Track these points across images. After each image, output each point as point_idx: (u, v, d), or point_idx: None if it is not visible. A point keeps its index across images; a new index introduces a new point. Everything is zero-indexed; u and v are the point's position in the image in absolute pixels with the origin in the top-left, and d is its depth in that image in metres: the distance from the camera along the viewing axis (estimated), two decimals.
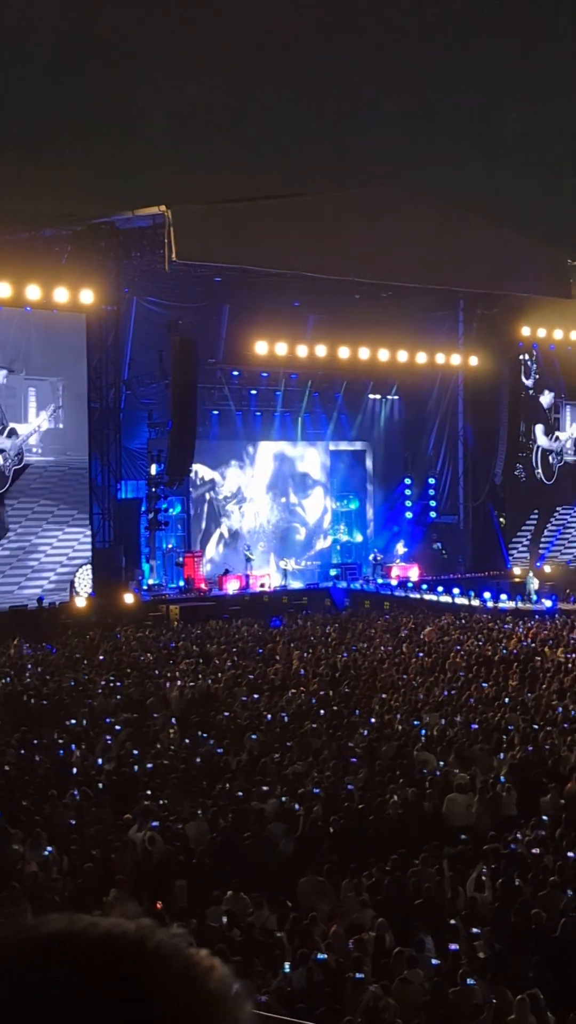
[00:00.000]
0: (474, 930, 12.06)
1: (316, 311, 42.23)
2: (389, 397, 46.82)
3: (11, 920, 1.18)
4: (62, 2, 47.43)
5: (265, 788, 16.52)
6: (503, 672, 25.54)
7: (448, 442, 47.24)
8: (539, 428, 48.22)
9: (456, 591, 39.38)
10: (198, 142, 50.32)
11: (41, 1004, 1.11)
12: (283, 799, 16.01)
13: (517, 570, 44.78)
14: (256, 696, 23.32)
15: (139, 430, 39.06)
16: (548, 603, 37.93)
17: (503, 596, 39.24)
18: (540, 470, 48.20)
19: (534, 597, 39.56)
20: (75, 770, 18.03)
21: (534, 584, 40.99)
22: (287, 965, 11.19)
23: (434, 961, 11.30)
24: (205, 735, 20.20)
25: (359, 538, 46.54)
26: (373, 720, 20.95)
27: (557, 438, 48.84)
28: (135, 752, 18.84)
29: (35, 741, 19.45)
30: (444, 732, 19.90)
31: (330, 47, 53.56)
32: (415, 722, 20.62)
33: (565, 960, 11.79)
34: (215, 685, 24.46)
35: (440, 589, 39.98)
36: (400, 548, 45.68)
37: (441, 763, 18.09)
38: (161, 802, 16.09)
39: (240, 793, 16.39)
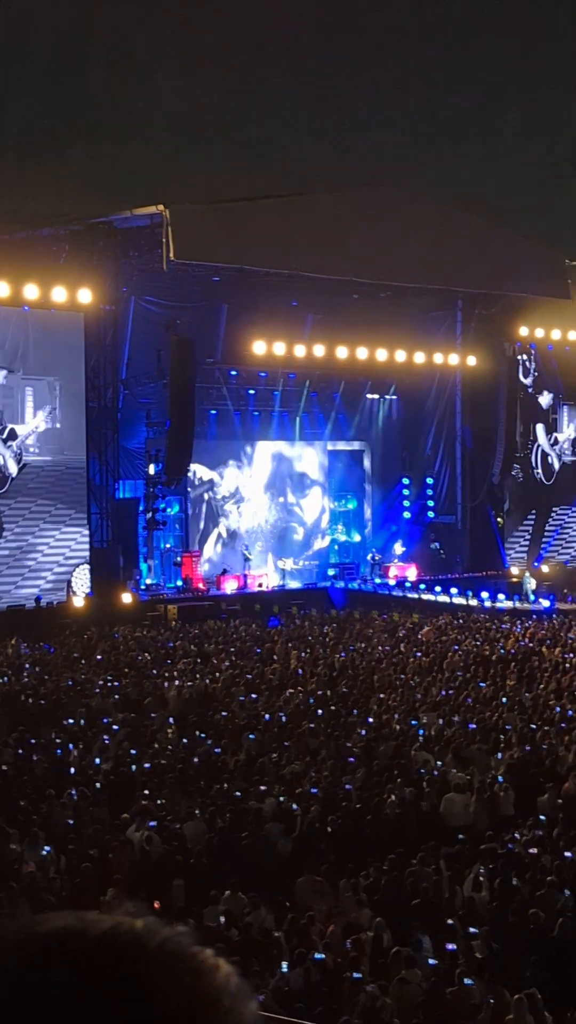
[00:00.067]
0: (472, 930, 12.07)
1: (314, 311, 42.23)
2: (387, 397, 46.81)
3: (11, 919, 1.18)
4: (62, 2, 47.43)
5: (263, 788, 16.52)
6: (501, 672, 25.55)
7: (446, 442, 47.25)
8: (540, 428, 48.26)
9: (454, 591, 39.40)
10: (198, 142, 50.29)
11: (41, 1004, 1.10)
12: (281, 799, 16.02)
13: (515, 570, 44.80)
14: (254, 696, 23.31)
15: (137, 430, 39.04)
16: (546, 603, 37.96)
17: (501, 596, 39.26)
18: (540, 470, 48.22)
19: (531, 597, 39.60)
20: (73, 770, 18.02)
21: (531, 584, 41.04)
22: (285, 965, 11.20)
23: (432, 961, 11.30)
24: (203, 735, 20.20)
25: (357, 538, 46.53)
26: (371, 720, 20.95)
27: (556, 439, 48.87)
28: (133, 752, 18.83)
29: (33, 741, 19.43)
30: (442, 732, 19.91)
31: (330, 47, 53.56)
32: (413, 722, 20.62)
33: (563, 960, 11.81)
34: (213, 685, 24.45)
35: (438, 589, 40.00)
36: (398, 548, 45.68)
37: (439, 763, 18.10)
38: (159, 802, 16.09)
39: (238, 793, 16.39)
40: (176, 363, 36.84)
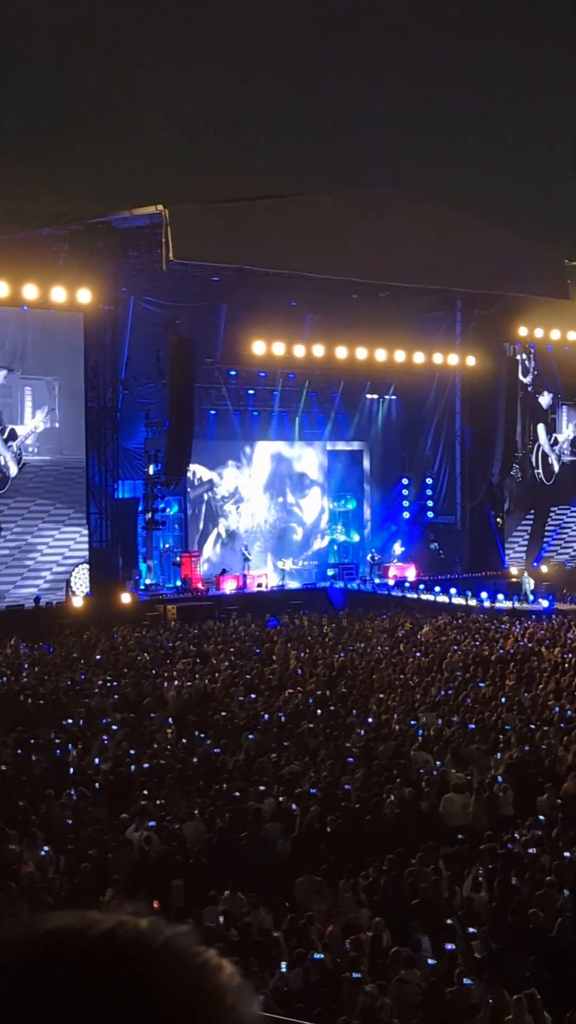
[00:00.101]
0: (471, 930, 12.07)
1: (314, 311, 42.23)
2: (386, 397, 46.81)
3: (11, 919, 1.17)
4: (62, 2, 47.41)
5: (262, 788, 16.52)
6: (500, 672, 25.56)
7: (445, 442, 47.26)
8: (541, 428, 48.27)
9: (453, 591, 39.41)
10: (197, 142, 50.30)
11: (41, 1004, 1.10)
12: (280, 799, 16.01)
13: (514, 570, 44.82)
14: (253, 696, 23.31)
15: (136, 430, 39.03)
16: (545, 603, 37.97)
17: (500, 596, 39.27)
18: (539, 470, 48.23)
19: (530, 597, 39.61)
20: (72, 770, 18.02)
21: (529, 584, 41.06)
22: (284, 965, 11.20)
23: (431, 961, 11.30)
24: (202, 735, 20.20)
25: (356, 538, 46.53)
26: (370, 720, 20.95)
27: (555, 439, 48.88)
28: (132, 752, 18.83)
29: (32, 741, 19.43)
30: (441, 732, 19.91)
31: (330, 47, 53.53)
32: (412, 722, 20.62)
33: (562, 960, 11.81)
34: (212, 685, 24.45)
35: (437, 589, 40.01)
36: (397, 548, 45.68)
37: (438, 763, 18.10)
38: (158, 802, 16.08)
39: (237, 793, 16.39)
40: (175, 363, 36.83)
